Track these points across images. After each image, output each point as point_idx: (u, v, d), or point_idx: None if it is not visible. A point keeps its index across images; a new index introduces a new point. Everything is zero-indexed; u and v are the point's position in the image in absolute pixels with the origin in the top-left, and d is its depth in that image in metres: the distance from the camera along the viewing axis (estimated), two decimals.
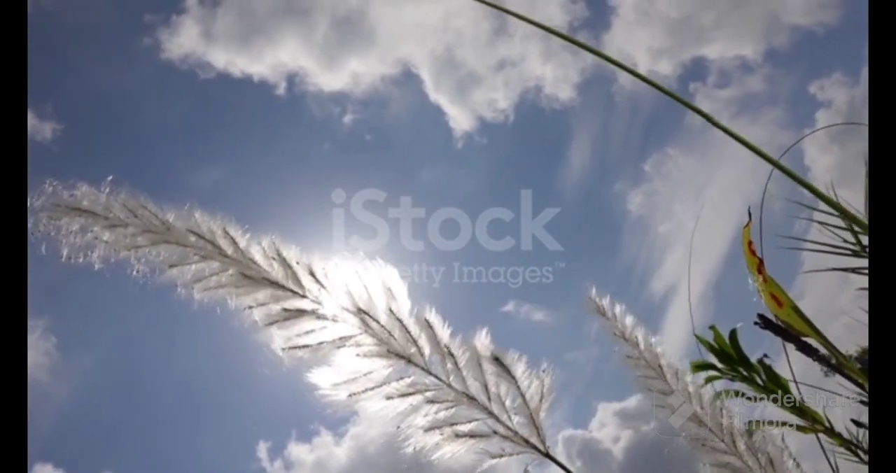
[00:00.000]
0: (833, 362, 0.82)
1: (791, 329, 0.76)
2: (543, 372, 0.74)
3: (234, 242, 0.81)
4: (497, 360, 0.73)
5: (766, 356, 0.83)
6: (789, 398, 0.76)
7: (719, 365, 0.82)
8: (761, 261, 0.72)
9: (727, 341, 0.85)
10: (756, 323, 0.73)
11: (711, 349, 0.84)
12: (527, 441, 0.73)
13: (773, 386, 0.79)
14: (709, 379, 0.86)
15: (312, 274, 0.80)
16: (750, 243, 0.74)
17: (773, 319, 0.72)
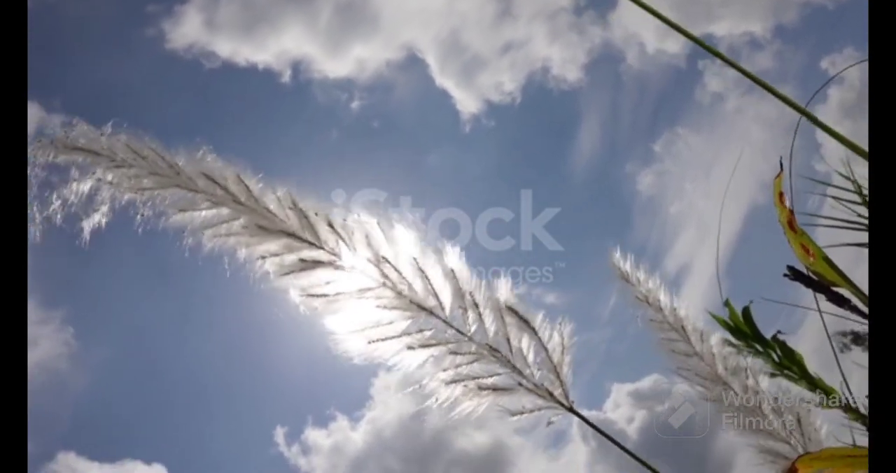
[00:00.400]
0: (865, 312, 0.81)
1: (822, 279, 0.74)
2: (560, 324, 0.71)
3: (247, 189, 0.77)
4: (512, 310, 0.71)
5: (779, 332, 0.82)
6: (805, 374, 0.75)
7: (735, 342, 0.80)
8: (792, 212, 0.70)
9: (741, 317, 0.83)
10: (785, 275, 0.71)
11: (726, 325, 0.82)
12: (551, 395, 0.71)
13: (788, 362, 0.77)
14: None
15: (330, 224, 0.77)
16: (781, 194, 0.71)
17: (804, 271, 0.69)
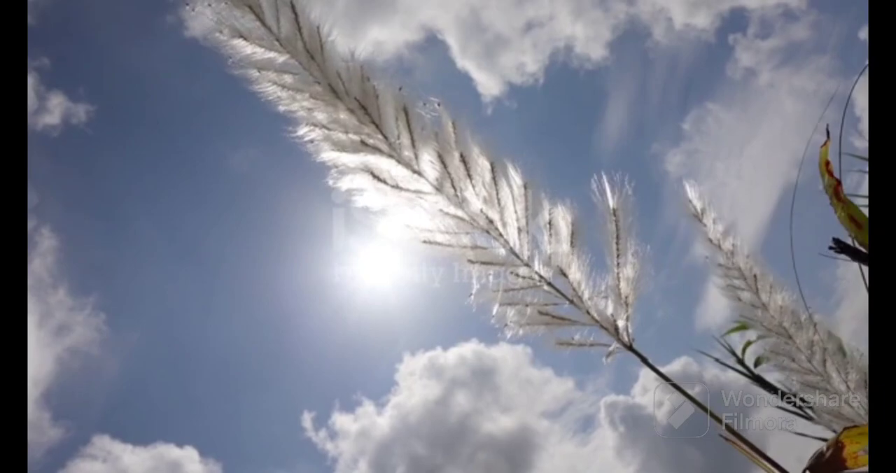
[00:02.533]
0: None
1: None
2: (634, 255, 0.68)
3: (321, 45, 0.67)
4: (615, 213, 0.66)
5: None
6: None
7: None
8: (839, 182, 0.73)
9: None
10: (831, 248, 0.73)
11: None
12: (616, 329, 0.66)
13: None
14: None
15: (405, 111, 0.68)
16: (828, 163, 0.74)
17: (851, 242, 0.72)
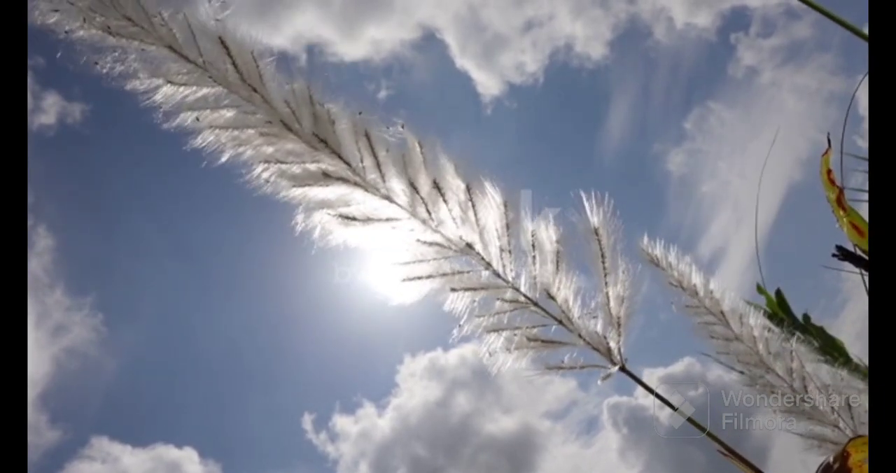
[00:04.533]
0: None
1: None
2: (623, 272, 0.65)
3: (259, 74, 0.59)
4: (596, 233, 0.62)
5: (807, 315, 0.83)
6: (846, 359, 0.76)
7: (774, 327, 0.80)
8: (841, 191, 0.69)
9: (776, 302, 0.84)
10: (834, 255, 0.70)
11: (762, 311, 0.82)
12: (608, 350, 0.64)
13: (828, 348, 0.78)
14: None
15: (367, 136, 0.61)
16: (829, 171, 0.70)
17: (853, 250, 0.70)
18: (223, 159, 0.59)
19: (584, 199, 0.62)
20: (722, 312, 0.75)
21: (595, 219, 0.61)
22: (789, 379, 0.73)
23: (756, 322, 0.75)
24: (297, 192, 0.63)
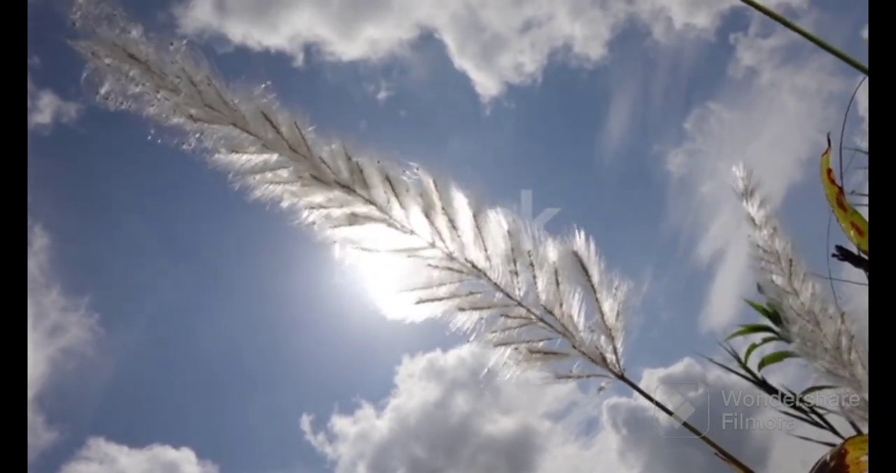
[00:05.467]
0: None
1: None
2: (616, 288, 0.71)
3: (301, 136, 0.75)
4: (578, 258, 0.70)
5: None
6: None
7: (775, 328, 0.80)
8: (841, 190, 0.70)
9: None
10: (834, 255, 0.71)
11: (763, 312, 0.82)
12: (604, 361, 0.71)
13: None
14: (766, 340, 0.85)
15: (387, 178, 0.75)
16: (829, 171, 0.71)
17: (854, 250, 0.69)
18: (280, 207, 0.76)
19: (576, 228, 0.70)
20: (790, 262, 0.75)
21: (576, 243, 0.69)
22: (835, 341, 0.72)
23: (815, 284, 0.75)
24: (335, 232, 0.78)
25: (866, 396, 0.73)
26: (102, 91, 0.62)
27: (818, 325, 0.76)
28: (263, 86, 0.70)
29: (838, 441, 0.70)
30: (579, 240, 0.70)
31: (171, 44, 0.64)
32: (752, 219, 0.79)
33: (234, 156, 0.72)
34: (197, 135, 0.69)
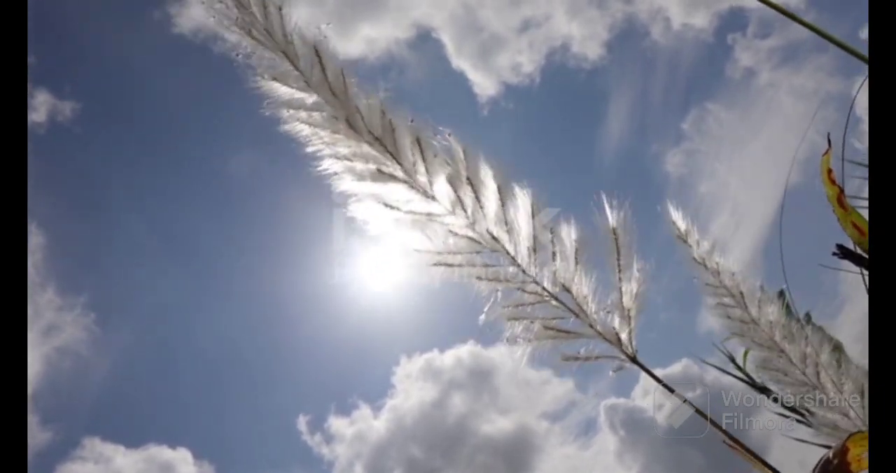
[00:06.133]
0: None
1: None
2: (638, 271, 0.72)
3: (344, 84, 0.74)
4: (615, 233, 0.70)
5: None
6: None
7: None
8: (842, 190, 0.74)
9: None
10: (835, 254, 0.74)
11: None
12: (619, 341, 0.70)
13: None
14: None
15: (418, 141, 0.75)
16: (829, 171, 0.75)
17: (853, 249, 0.73)
18: (307, 150, 0.73)
19: (603, 199, 0.71)
20: (742, 294, 0.77)
21: (613, 219, 0.70)
22: (802, 365, 0.73)
23: (773, 307, 0.77)
24: (356, 185, 0.75)
25: (838, 417, 0.75)
26: None
27: (782, 351, 0.79)
28: (324, 25, 0.70)
29: (835, 442, 0.71)
30: (617, 217, 0.71)
31: None
32: (695, 260, 0.83)
33: (276, 85, 0.70)
34: (248, 52, 0.67)
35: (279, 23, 0.69)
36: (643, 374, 0.69)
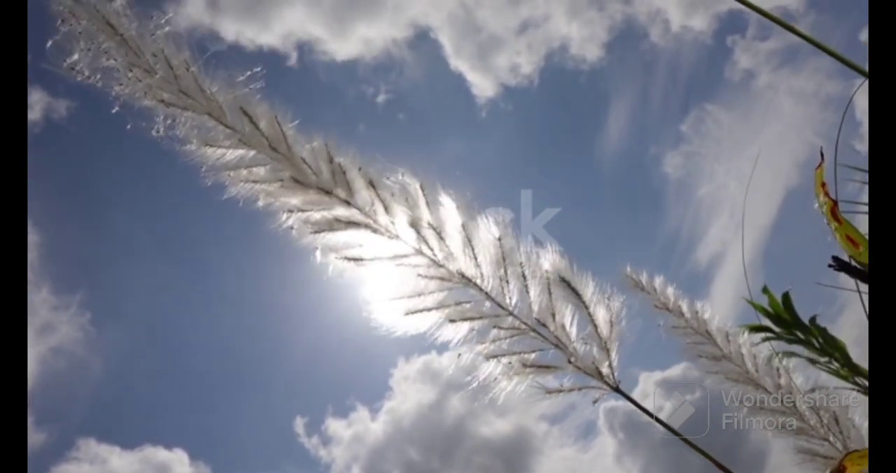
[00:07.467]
0: None
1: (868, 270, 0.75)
2: (609, 298, 0.69)
3: (283, 135, 0.70)
4: (563, 280, 0.68)
5: (815, 317, 0.84)
6: (848, 361, 0.77)
7: (776, 329, 0.82)
8: (835, 203, 0.71)
9: (781, 304, 0.85)
10: (830, 266, 0.72)
11: (765, 313, 0.83)
12: (599, 374, 0.68)
13: (830, 348, 0.79)
14: (765, 339, 0.86)
15: (371, 183, 0.71)
16: (823, 184, 0.73)
17: (849, 261, 0.71)
18: (255, 206, 0.70)
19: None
20: (708, 332, 0.78)
21: (556, 264, 0.68)
22: (778, 396, 0.74)
23: (743, 340, 0.78)
24: (317, 237, 0.72)
25: (818, 446, 0.75)
26: (71, 59, 0.56)
27: (757, 384, 0.78)
28: (245, 76, 0.65)
29: (831, 454, 0.71)
30: (562, 262, 0.68)
31: (152, 17, 0.58)
32: (659, 306, 0.82)
33: (208, 150, 0.66)
34: (168, 122, 0.62)
35: (193, 81, 0.63)
36: (642, 376, 0.68)
